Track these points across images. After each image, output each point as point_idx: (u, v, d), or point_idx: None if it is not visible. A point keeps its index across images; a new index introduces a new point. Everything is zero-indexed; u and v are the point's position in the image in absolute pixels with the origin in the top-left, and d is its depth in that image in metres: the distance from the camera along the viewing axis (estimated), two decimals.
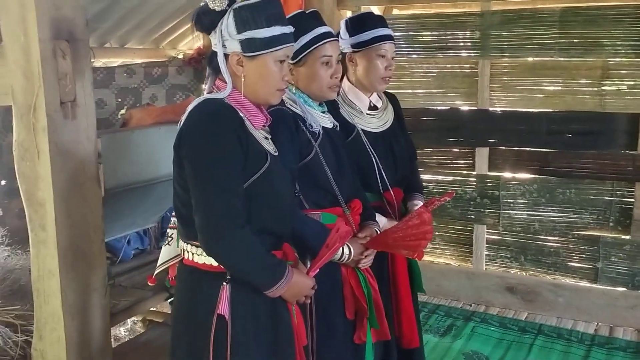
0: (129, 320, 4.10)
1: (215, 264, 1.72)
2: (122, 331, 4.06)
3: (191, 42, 4.94)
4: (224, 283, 1.72)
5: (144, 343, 3.38)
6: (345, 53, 2.46)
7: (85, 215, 2.28)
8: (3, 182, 3.43)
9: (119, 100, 4.10)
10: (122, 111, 3.82)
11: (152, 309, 3.84)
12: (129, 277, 3.67)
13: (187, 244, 1.78)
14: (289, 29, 1.76)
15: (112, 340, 3.82)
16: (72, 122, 2.20)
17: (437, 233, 4.40)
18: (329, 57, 2.12)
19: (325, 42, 2.11)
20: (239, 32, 1.69)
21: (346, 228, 2.03)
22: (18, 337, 2.50)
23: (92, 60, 3.92)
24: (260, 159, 1.74)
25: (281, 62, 1.76)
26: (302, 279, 1.83)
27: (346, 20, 2.49)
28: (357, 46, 2.43)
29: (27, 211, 2.24)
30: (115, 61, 4.46)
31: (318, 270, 1.90)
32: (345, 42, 2.45)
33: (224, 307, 1.71)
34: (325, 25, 2.15)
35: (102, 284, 2.37)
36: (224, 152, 1.65)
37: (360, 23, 2.45)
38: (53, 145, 2.14)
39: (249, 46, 1.70)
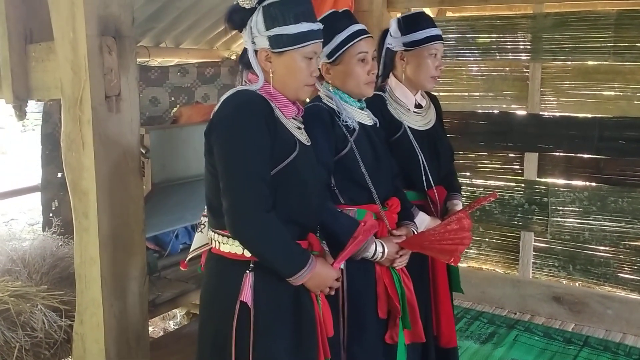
0: (178, 314, 4.21)
1: (240, 252, 1.75)
2: (171, 324, 4.16)
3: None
4: (247, 271, 1.75)
5: (185, 335, 3.45)
6: (396, 51, 2.46)
7: (127, 206, 2.35)
8: (59, 175, 3.55)
9: (172, 98, 4.20)
10: (175, 109, 3.91)
11: (195, 302, 3.91)
12: (175, 270, 3.75)
13: (215, 232, 1.82)
14: (317, 26, 1.77)
15: (160, 332, 3.94)
16: (116, 116, 2.26)
17: (483, 239, 4.32)
18: (365, 54, 2.11)
19: (361, 39, 2.10)
20: (267, 28, 1.73)
21: (373, 222, 2.02)
22: (63, 321, 2.60)
23: (147, 59, 4.07)
24: (289, 147, 1.76)
25: (309, 58, 1.77)
26: (326, 269, 1.84)
27: (398, 19, 2.49)
28: (410, 45, 2.42)
29: (72, 200, 2.33)
30: (171, 61, 4.56)
31: (343, 262, 1.90)
32: (396, 41, 2.45)
33: (246, 295, 1.74)
34: (358, 23, 2.14)
35: (141, 273, 2.43)
36: (251, 139, 1.67)
37: (413, 22, 2.45)
38: (97, 137, 2.20)
39: (276, 42, 1.73)
